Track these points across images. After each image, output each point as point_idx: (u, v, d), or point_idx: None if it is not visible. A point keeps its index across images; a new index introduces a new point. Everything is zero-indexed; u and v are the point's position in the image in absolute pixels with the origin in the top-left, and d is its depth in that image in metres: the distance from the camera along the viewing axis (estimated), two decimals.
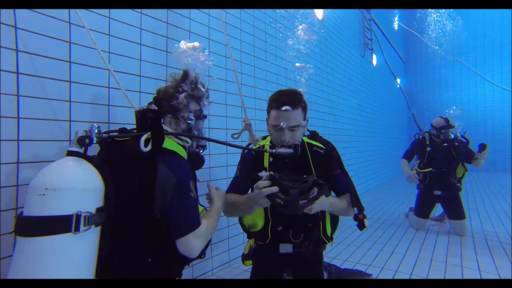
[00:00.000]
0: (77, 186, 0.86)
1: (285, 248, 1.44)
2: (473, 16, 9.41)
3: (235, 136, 1.62)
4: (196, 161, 1.20)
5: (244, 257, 1.58)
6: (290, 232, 1.41)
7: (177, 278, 1.10)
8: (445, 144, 3.12)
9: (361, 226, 1.30)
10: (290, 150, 1.25)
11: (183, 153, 1.06)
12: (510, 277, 2.09)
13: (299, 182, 1.18)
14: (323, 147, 1.43)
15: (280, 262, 1.51)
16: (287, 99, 1.30)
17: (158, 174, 0.98)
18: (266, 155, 1.42)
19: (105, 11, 1.58)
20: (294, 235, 1.41)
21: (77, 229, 0.83)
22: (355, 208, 1.31)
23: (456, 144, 3.09)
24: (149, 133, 0.98)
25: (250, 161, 1.46)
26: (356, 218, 1.31)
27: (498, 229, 3.22)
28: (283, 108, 1.27)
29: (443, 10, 8.72)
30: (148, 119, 1.00)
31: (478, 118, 9.23)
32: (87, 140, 0.96)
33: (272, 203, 1.17)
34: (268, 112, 1.40)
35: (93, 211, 0.88)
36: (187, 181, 1.02)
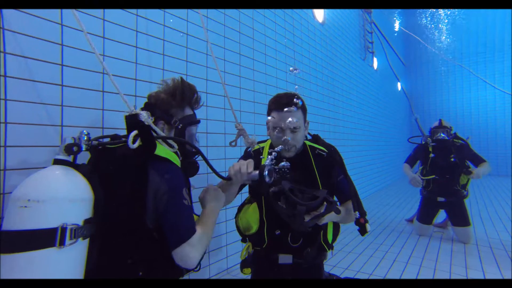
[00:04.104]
0: (63, 196, 0.81)
1: (285, 258, 1.40)
2: (473, 18, 9.40)
3: (233, 144, 1.60)
4: (190, 168, 1.14)
5: (243, 265, 1.52)
6: (288, 236, 1.37)
7: None
8: (430, 141, 3.09)
9: (362, 231, 1.25)
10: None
11: (176, 160, 1.01)
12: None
13: (309, 195, 1.16)
14: (326, 151, 1.42)
15: (279, 273, 1.46)
16: (287, 100, 1.32)
17: (149, 182, 0.93)
18: (265, 156, 1.41)
19: (99, 14, 1.54)
20: (293, 239, 1.37)
21: (62, 243, 0.78)
22: (357, 212, 1.27)
23: (445, 138, 3.03)
24: (136, 131, 0.94)
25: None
26: (357, 222, 1.26)
27: (502, 237, 3.16)
28: (285, 109, 1.29)
29: (444, 11, 8.69)
30: (138, 123, 0.95)
31: (480, 121, 9.17)
32: (75, 148, 0.91)
33: (279, 214, 1.16)
34: (268, 115, 1.39)
35: (81, 223, 0.83)
36: (179, 189, 0.96)
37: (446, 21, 8.67)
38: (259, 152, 1.47)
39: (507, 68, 8.70)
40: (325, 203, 1.16)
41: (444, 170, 3.07)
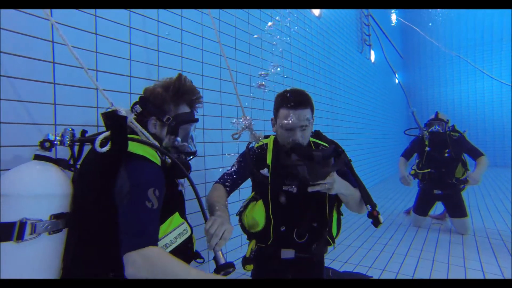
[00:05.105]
0: (26, 192, 0.81)
1: (287, 253, 1.41)
2: (472, 10, 9.33)
3: (236, 136, 1.57)
4: (174, 169, 1.04)
5: (245, 261, 1.51)
6: (294, 233, 1.38)
7: None
8: (426, 134, 3.09)
9: (376, 222, 1.30)
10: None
11: (155, 158, 0.94)
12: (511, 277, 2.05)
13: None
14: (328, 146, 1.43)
15: (281, 267, 1.46)
16: (298, 98, 1.31)
17: (117, 181, 0.88)
18: (269, 153, 1.41)
19: (91, 9, 1.50)
20: (299, 235, 1.38)
21: (20, 237, 0.78)
22: (368, 205, 1.32)
23: (438, 129, 3.03)
24: (108, 132, 0.90)
25: (253, 157, 1.44)
26: (370, 215, 1.31)
27: (500, 227, 3.18)
28: (296, 110, 1.29)
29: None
30: (114, 122, 0.91)
31: (478, 113, 9.18)
32: (46, 144, 0.91)
33: (296, 170, 1.17)
34: (276, 111, 1.37)
35: (46, 218, 0.82)
36: (143, 188, 0.86)
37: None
38: (262, 148, 1.45)
39: (505, 59, 8.68)
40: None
41: (439, 163, 3.06)
